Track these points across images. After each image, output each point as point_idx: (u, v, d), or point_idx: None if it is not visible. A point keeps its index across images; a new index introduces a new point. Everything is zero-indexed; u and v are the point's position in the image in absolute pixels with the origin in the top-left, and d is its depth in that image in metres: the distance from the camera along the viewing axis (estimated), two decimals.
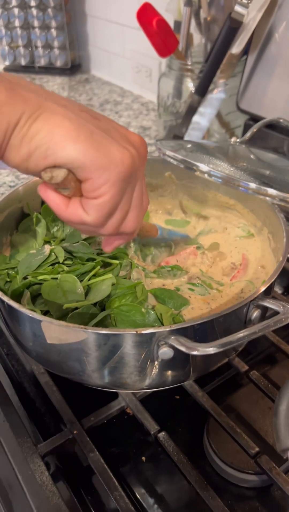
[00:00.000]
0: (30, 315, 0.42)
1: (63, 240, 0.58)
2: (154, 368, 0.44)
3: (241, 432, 0.46)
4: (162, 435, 0.46)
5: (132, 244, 0.58)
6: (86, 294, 0.49)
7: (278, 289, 0.71)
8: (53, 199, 0.38)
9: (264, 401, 0.52)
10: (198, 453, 0.50)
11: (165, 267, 0.56)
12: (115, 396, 0.51)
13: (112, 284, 0.49)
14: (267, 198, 0.55)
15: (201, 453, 0.50)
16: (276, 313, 0.41)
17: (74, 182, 0.36)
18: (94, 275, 0.50)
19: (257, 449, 0.44)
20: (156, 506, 0.47)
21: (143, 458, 0.51)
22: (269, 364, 0.58)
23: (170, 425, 0.50)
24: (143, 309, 0.46)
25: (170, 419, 0.53)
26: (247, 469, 0.46)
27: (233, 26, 0.80)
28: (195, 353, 0.37)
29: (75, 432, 0.46)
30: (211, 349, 0.37)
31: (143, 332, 0.40)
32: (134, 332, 0.40)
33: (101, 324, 0.46)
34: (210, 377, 0.56)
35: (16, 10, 1.46)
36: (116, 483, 0.42)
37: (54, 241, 0.57)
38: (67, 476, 0.48)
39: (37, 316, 0.41)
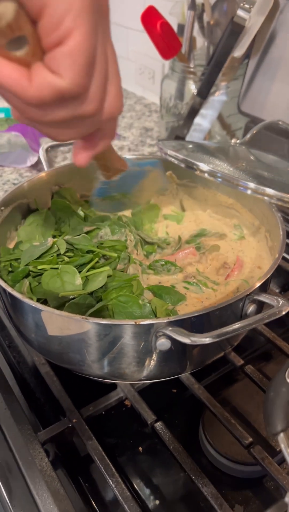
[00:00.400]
0: (33, 305, 0.43)
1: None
2: (152, 359, 0.45)
3: (236, 423, 0.47)
4: (158, 425, 0.48)
5: (132, 238, 0.60)
6: (84, 285, 0.50)
7: (275, 288, 0.73)
8: (8, 73, 0.26)
9: (259, 395, 0.53)
10: (194, 444, 0.51)
11: (159, 261, 0.57)
12: (114, 387, 0.53)
13: (109, 276, 0.50)
14: (265, 197, 0.57)
15: (197, 444, 0.52)
16: (271, 307, 0.43)
17: (29, 24, 0.26)
18: (93, 267, 0.51)
19: (250, 439, 0.46)
20: (152, 496, 0.48)
21: (140, 448, 0.52)
22: (265, 360, 0.59)
23: (167, 417, 0.52)
24: (140, 301, 0.47)
25: (166, 411, 0.54)
26: (240, 460, 0.47)
27: (235, 30, 0.81)
28: (191, 342, 0.38)
29: (74, 420, 0.48)
30: (207, 339, 0.38)
31: (142, 323, 0.41)
32: (134, 323, 0.41)
33: (98, 315, 0.47)
34: (206, 372, 0.58)
35: None
36: (114, 470, 0.43)
37: (59, 236, 0.58)
38: (65, 464, 0.49)
39: (39, 306, 0.43)
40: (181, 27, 0.98)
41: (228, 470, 0.49)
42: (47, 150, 0.65)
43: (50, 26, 0.26)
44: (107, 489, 0.47)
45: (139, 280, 0.52)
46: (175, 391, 0.58)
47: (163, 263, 0.57)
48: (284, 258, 0.75)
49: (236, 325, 0.39)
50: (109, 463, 0.44)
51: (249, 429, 0.49)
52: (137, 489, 0.48)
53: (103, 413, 0.54)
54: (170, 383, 0.57)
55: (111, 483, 0.42)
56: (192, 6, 0.90)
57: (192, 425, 0.53)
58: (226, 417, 0.48)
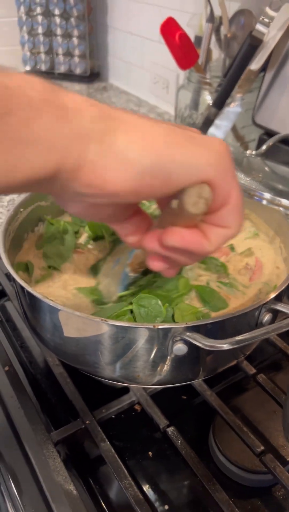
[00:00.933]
0: (52, 305, 0.44)
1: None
2: (166, 364, 0.46)
3: (247, 431, 0.47)
4: (170, 429, 0.48)
5: None
6: None
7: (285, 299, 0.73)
8: (193, 238, 0.33)
9: (270, 404, 0.53)
10: (203, 451, 0.51)
11: (216, 260, 0.57)
12: (126, 390, 0.53)
13: None
14: (281, 208, 0.57)
15: (206, 451, 0.52)
16: (286, 317, 0.43)
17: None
18: None
19: (262, 447, 0.46)
20: (160, 501, 0.48)
21: (150, 453, 0.52)
22: (276, 370, 0.59)
23: (177, 422, 0.52)
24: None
25: (176, 417, 0.54)
26: (251, 468, 0.48)
27: (253, 44, 0.83)
28: (209, 348, 0.38)
29: (87, 422, 0.48)
30: (225, 345, 0.38)
31: (160, 327, 0.42)
32: (152, 327, 0.42)
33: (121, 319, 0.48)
34: (218, 379, 0.58)
35: (40, 18, 1.50)
36: (126, 472, 0.44)
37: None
38: (76, 466, 0.50)
39: (58, 306, 0.43)
40: (198, 39, 0.99)
41: (238, 478, 0.49)
42: None
43: (221, 200, 0.32)
44: (118, 492, 0.47)
45: (188, 280, 0.52)
46: (185, 397, 0.58)
47: (219, 264, 0.57)
48: None
49: (255, 333, 0.40)
50: (122, 465, 0.44)
51: (259, 437, 0.49)
52: (146, 493, 0.48)
53: (113, 416, 0.54)
54: (181, 389, 0.57)
55: (123, 485, 0.42)
56: (210, 19, 0.92)
57: (201, 431, 0.54)
58: (238, 424, 0.48)
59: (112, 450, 0.45)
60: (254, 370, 0.55)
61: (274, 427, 0.52)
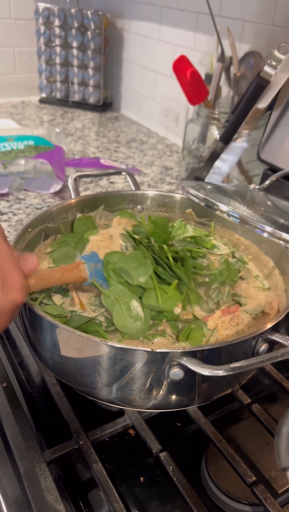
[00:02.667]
0: (52, 323, 0.45)
1: None
2: (162, 388, 0.46)
3: (240, 460, 0.47)
4: (163, 454, 0.48)
5: None
6: None
7: (282, 332, 0.74)
8: None
9: (264, 435, 0.53)
10: (195, 480, 0.51)
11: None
12: (121, 413, 0.53)
13: None
14: (281, 242, 0.59)
15: (198, 479, 0.52)
16: (282, 347, 0.44)
17: None
18: None
19: (254, 478, 0.46)
20: None
21: (142, 478, 0.52)
22: (271, 401, 0.60)
23: (170, 449, 0.52)
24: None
25: (170, 443, 0.54)
26: (242, 499, 0.47)
27: (261, 84, 0.86)
28: (205, 373, 0.39)
29: (81, 442, 0.48)
30: (221, 371, 0.39)
31: (157, 350, 0.42)
32: (150, 350, 0.42)
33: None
34: (213, 408, 0.58)
35: (58, 49, 1.57)
36: (117, 495, 0.44)
37: None
38: (67, 486, 0.49)
39: (58, 324, 0.45)
40: (209, 76, 1.03)
41: (228, 508, 0.49)
42: (75, 179, 0.69)
43: None
44: None
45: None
46: (180, 424, 0.58)
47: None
48: None
49: (250, 361, 0.40)
50: (113, 488, 0.44)
51: (252, 469, 0.49)
52: None
53: (106, 439, 0.54)
54: (176, 415, 0.57)
55: (113, 509, 0.42)
56: (221, 58, 0.96)
57: (194, 459, 0.54)
58: (231, 453, 0.48)
59: (104, 472, 0.45)
60: (249, 400, 0.55)
61: (267, 458, 0.52)
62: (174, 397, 0.48)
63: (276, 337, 0.45)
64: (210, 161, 0.98)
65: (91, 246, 0.59)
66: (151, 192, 0.72)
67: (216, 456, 0.51)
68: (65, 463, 0.50)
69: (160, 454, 0.48)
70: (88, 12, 1.47)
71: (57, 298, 0.56)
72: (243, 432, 0.55)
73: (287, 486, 0.48)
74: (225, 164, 0.99)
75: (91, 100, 1.63)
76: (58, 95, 1.65)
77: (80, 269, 0.52)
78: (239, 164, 1.02)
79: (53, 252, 0.63)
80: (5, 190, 1.00)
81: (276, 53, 0.84)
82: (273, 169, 0.92)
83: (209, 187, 0.77)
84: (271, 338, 0.46)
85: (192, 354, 0.43)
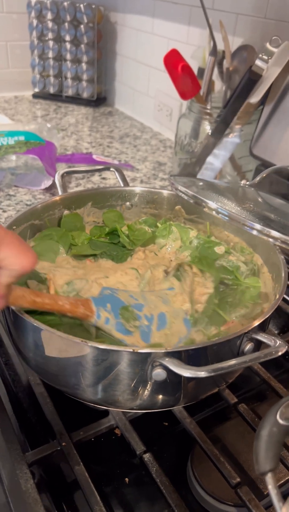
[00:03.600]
0: (34, 324, 0.44)
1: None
2: (146, 389, 0.46)
3: (224, 462, 0.47)
4: (147, 456, 0.47)
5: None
6: None
7: (274, 329, 0.73)
8: None
9: (251, 435, 0.53)
10: (181, 481, 0.51)
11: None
12: (105, 414, 0.53)
13: None
14: (270, 239, 0.58)
15: (184, 481, 0.51)
16: (268, 347, 0.43)
17: None
18: None
19: (238, 479, 0.45)
20: None
21: (127, 479, 0.51)
22: (259, 400, 0.59)
23: (156, 449, 0.51)
24: None
25: (156, 443, 0.54)
26: (226, 500, 0.47)
27: (253, 78, 0.85)
28: (187, 375, 0.39)
29: (63, 444, 0.47)
30: (203, 373, 0.38)
31: (139, 351, 0.42)
32: (131, 350, 0.42)
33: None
34: (199, 408, 0.58)
35: (51, 43, 1.55)
36: (98, 498, 0.43)
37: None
38: (50, 488, 0.49)
39: (40, 325, 0.44)
40: (201, 70, 1.02)
41: (213, 509, 0.48)
42: (62, 176, 0.68)
43: None
44: None
45: None
46: (167, 424, 0.57)
47: None
48: (285, 300, 0.76)
49: (232, 362, 0.40)
50: (94, 490, 0.44)
51: (238, 469, 0.49)
52: None
53: (92, 439, 0.53)
54: (162, 415, 0.57)
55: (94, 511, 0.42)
56: (213, 52, 0.95)
57: (180, 460, 0.53)
58: (215, 454, 0.47)
59: (86, 474, 0.45)
60: (235, 400, 0.54)
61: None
62: (158, 397, 0.47)
63: (261, 337, 0.44)
64: (202, 157, 0.97)
65: (114, 283, 0.58)
66: (138, 189, 0.71)
67: (202, 457, 0.50)
68: (49, 464, 0.49)
69: (144, 456, 0.47)
70: (81, 6, 1.45)
71: (32, 284, 0.55)
72: (230, 432, 0.54)
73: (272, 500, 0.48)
74: (217, 159, 0.98)
75: (85, 95, 1.61)
76: (51, 90, 1.64)
77: (88, 307, 0.49)
78: (232, 159, 1.01)
79: (36, 246, 0.62)
80: None
81: (268, 46, 0.83)
82: (266, 165, 0.91)
83: (201, 183, 0.76)
84: (256, 338, 0.45)
85: (174, 355, 0.42)
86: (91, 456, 0.52)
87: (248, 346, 0.46)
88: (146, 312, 0.52)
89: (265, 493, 0.48)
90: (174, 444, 0.55)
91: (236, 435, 0.53)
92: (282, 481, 0.48)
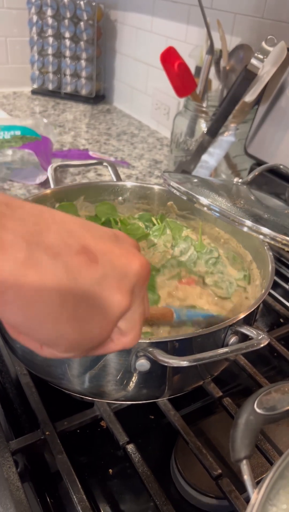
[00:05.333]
0: None
1: None
2: (131, 380, 0.46)
3: (206, 453, 0.47)
4: (130, 446, 0.48)
5: None
6: None
7: (263, 327, 0.74)
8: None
9: None
10: (164, 473, 0.51)
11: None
12: (90, 405, 0.53)
13: None
14: (260, 236, 0.58)
15: (167, 473, 0.51)
16: (250, 340, 0.44)
17: None
18: None
19: (220, 471, 0.46)
20: None
21: (110, 470, 0.52)
22: (244, 395, 0.59)
23: (140, 442, 0.51)
24: None
25: (140, 436, 0.54)
26: (208, 492, 0.47)
27: (248, 77, 0.85)
28: (169, 363, 0.39)
29: (47, 433, 0.48)
30: (185, 362, 0.39)
31: None
32: None
33: None
34: (185, 402, 0.58)
35: (50, 39, 1.56)
36: (80, 486, 0.43)
37: None
38: (33, 479, 0.49)
39: None
40: (198, 69, 1.03)
41: (195, 502, 0.48)
42: (55, 169, 0.68)
43: None
44: (72, 508, 0.47)
45: None
46: (152, 417, 0.57)
47: None
48: (274, 298, 0.76)
49: (214, 352, 0.40)
50: (76, 479, 0.44)
51: (220, 462, 0.49)
52: (102, 511, 0.48)
53: (78, 431, 0.54)
54: (147, 408, 0.57)
55: (75, 499, 0.42)
56: (210, 51, 0.95)
57: (164, 453, 0.53)
58: (198, 446, 0.48)
59: (69, 463, 0.45)
60: (220, 393, 0.55)
61: None
62: (143, 389, 0.48)
63: (244, 330, 0.44)
64: (197, 155, 0.98)
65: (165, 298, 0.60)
66: (130, 183, 0.72)
67: (185, 449, 0.50)
68: (32, 454, 0.49)
69: (127, 446, 0.48)
70: (81, 3, 1.45)
71: None
72: (215, 426, 0.54)
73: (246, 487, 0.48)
74: (212, 158, 0.98)
75: (84, 92, 1.62)
76: (50, 87, 1.64)
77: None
78: (227, 158, 1.02)
79: None
80: None
81: (264, 45, 0.83)
82: (260, 164, 0.91)
83: (195, 180, 0.76)
84: (240, 331, 0.45)
85: (158, 345, 0.42)
86: (75, 447, 0.52)
87: (233, 339, 0.46)
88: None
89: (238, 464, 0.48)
90: (159, 437, 0.55)
91: (220, 429, 0.54)
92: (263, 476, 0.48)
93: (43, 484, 0.49)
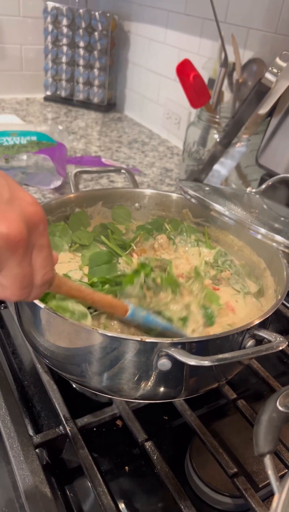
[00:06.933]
0: (46, 310, 0.46)
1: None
2: (150, 379, 0.48)
3: (223, 453, 0.49)
4: (148, 444, 0.49)
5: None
6: None
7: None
8: None
9: (248, 431, 0.55)
10: (179, 472, 0.52)
11: None
12: (109, 403, 0.54)
13: None
14: (274, 243, 0.60)
15: (182, 472, 0.53)
16: (268, 343, 0.45)
17: None
18: None
19: (235, 469, 0.47)
20: None
21: (127, 468, 0.53)
22: (258, 399, 0.61)
23: (156, 441, 0.53)
24: None
25: (156, 435, 0.55)
26: (223, 491, 0.49)
27: (262, 90, 0.88)
28: (191, 363, 0.41)
29: (69, 428, 0.49)
30: (206, 362, 0.40)
31: (147, 340, 0.44)
32: (139, 339, 0.44)
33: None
34: (199, 403, 0.60)
35: (65, 48, 1.59)
36: (102, 481, 0.45)
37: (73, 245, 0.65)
38: (54, 473, 0.51)
39: (51, 312, 0.46)
40: (212, 81, 1.05)
41: (210, 500, 0.50)
42: (76, 175, 0.70)
43: None
44: (92, 505, 0.48)
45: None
46: (167, 418, 0.59)
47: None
48: (283, 305, 0.78)
49: (235, 353, 0.42)
50: (98, 473, 0.45)
51: (235, 462, 0.51)
52: (120, 508, 0.49)
53: (94, 429, 0.55)
54: (163, 408, 0.59)
55: (97, 493, 0.44)
56: (224, 64, 0.98)
57: (179, 452, 0.55)
58: (214, 445, 0.49)
59: (90, 458, 0.47)
60: (234, 395, 0.56)
61: (250, 453, 0.53)
62: (161, 388, 0.49)
63: (263, 333, 0.46)
64: (209, 164, 1.00)
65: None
66: (148, 191, 0.74)
67: (200, 449, 0.52)
68: (54, 449, 0.51)
69: (145, 443, 0.49)
70: (96, 13, 1.49)
71: None
72: (229, 427, 0.56)
73: (268, 480, 0.50)
74: (223, 167, 1.00)
75: (96, 100, 1.65)
76: (63, 94, 1.67)
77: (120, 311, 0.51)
78: (238, 168, 1.04)
79: None
80: None
81: (278, 60, 0.86)
82: (271, 174, 0.93)
83: (207, 188, 0.78)
84: (258, 334, 0.47)
85: (180, 345, 0.44)
86: (93, 445, 0.54)
87: (250, 343, 0.48)
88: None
89: (260, 486, 0.50)
90: (174, 437, 0.57)
91: (235, 431, 0.55)
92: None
93: (63, 479, 0.51)
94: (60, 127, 1.19)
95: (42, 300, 0.48)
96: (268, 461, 0.34)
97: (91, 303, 0.49)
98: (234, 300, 0.64)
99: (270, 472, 0.33)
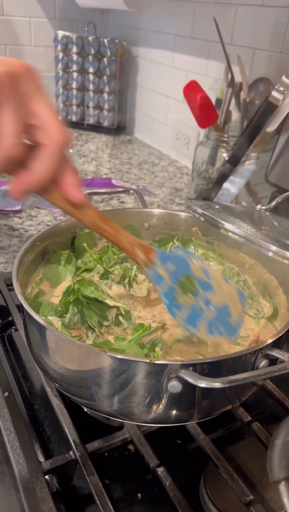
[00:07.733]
0: (54, 333, 0.46)
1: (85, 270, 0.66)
2: (161, 402, 0.47)
3: (238, 479, 0.47)
4: (160, 469, 0.48)
5: None
6: None
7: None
8: None
9: (264, 455, 0.52)
10: (193, 498, 0.50)
11: None
12: (120, 427, 0.53)
13: None
14: (286, 261, 0.59)
15: (196, 499, 0.51)
16: (282, 363, 0.44)
17: None
18: None
19: (251, 497, 0.45)
20: None
21: (139, 495, 0.52)
22: (273, 421, 0.59)
23: (168, 466, 0.51)
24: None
25: (169, 460, 0.54)
26: None
27: (269, 108, 0.88)
28: (202, 385, 0.39)
29: (79, 454, 0.48)
30: (218, 384, 0.39)
31: (156, 362, 0.43)
32: (148, 361, 0.43)
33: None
34: (213, 427, 0.58)
35: (75, 74, 1.63)
36: (112, 509, 0.43)
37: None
38: (64, 500, 0.49)
39: (60, 334, 0.45)
40: (219, 101, 1.06)
41: None
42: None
43: None
44: None
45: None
46: (180, 442, 0.57)
47: None
48: None
49: (247, 374, 0.40)
50: (108, 501, 0.44)
51: (251, 489, 0.49)
52: None
53: (106, 454, 0.54)
54: (175, 432, 0.57)
55: None
56: (231, 84, 0.99)
57: (192, 478, 0.53)
58: (229, 471, 0.47)
59: (100, 485, 0.45)
60: (249, 418, 0.55)
61: (267, 479, 0.51)
62: (173, 411, 0.48)
63: (275, 353, 0.45)
64: (219, 183, 1.00)
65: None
66: (157, 210, 0.74)
67: (215, 474, 0.50)
68: (64, 475, 0.50)
69: (157, 469, 0.48)
70: (105, 40, 1.53)
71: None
72: (244, 452, 0.54)
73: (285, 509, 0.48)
74: (233, 186, 1.00)
75: (106, 123, 1.68)
76: (73, 118, 1.70)
77: (149, 256, 0.47)
78: (247, 186, 1.04)
79: (44, 269, 0.65)
80: (17, 207, 1.03)
81: (284, 78, 0.86)
82: (281, 191, 0.93)
83: (217, 207, 0.78)
84: (271, 354, 0.46)
85: (190, 367, 0.43)
86: (104, 470, 0.52)
87: (263, 363, 0.47)
88: (210, 297, 0.49)
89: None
90: (187, 462, 0.55)
91: (250, 455, 0.53)
92: None
93: (73, 507, 0.49)
94: (71, 151, 1.21)
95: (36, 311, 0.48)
96: (283, 488, 0.33)
97: (116, 241, 0.46)
98: (250, 329, 0.63)
99: (286, 500, 0.32)
